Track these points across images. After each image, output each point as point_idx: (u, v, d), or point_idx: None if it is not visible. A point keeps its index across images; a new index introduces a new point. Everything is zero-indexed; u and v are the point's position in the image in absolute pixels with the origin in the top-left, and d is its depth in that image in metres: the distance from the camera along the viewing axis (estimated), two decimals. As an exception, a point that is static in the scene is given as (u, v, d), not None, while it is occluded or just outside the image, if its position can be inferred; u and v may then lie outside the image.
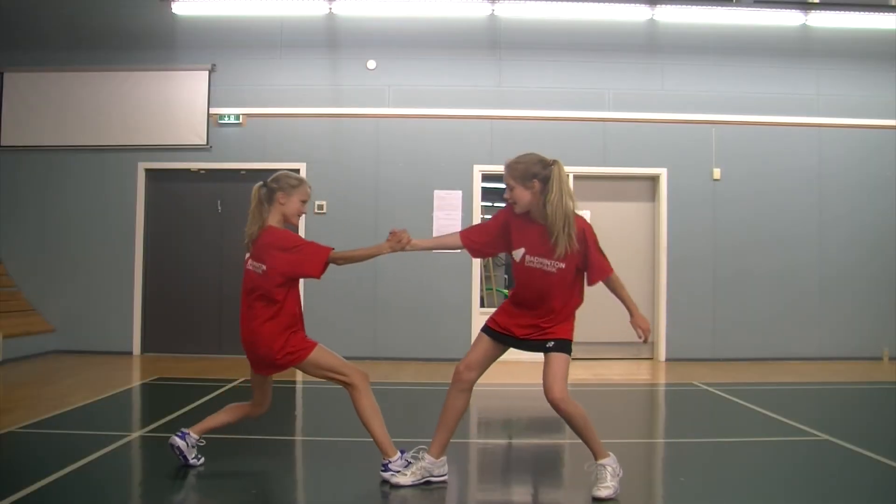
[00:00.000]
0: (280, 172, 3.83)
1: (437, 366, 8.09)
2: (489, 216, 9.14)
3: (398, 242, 3.61)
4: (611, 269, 3.49)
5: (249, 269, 3.69)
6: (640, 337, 3.49)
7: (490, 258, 9.10)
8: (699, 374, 7.70)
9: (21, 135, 8.82)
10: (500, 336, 3.58)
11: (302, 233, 8.56)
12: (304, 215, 3.85)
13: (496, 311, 3.66)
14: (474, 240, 3.70)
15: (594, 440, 3.47)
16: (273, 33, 8.77)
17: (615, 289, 3.52)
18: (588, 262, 3.46)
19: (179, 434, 3.85)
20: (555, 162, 3.45)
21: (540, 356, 3.51)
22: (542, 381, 3.44)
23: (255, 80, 8.80)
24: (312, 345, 3.67)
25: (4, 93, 8.83)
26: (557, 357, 3.44)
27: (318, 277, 3.66)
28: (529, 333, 3.50)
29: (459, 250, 3.82)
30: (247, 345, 3.69)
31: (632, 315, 3.49)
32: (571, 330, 3.54)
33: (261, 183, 3.79)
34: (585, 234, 3.44)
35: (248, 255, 3.74)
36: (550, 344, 3.46)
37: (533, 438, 5.19)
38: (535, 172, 3.42)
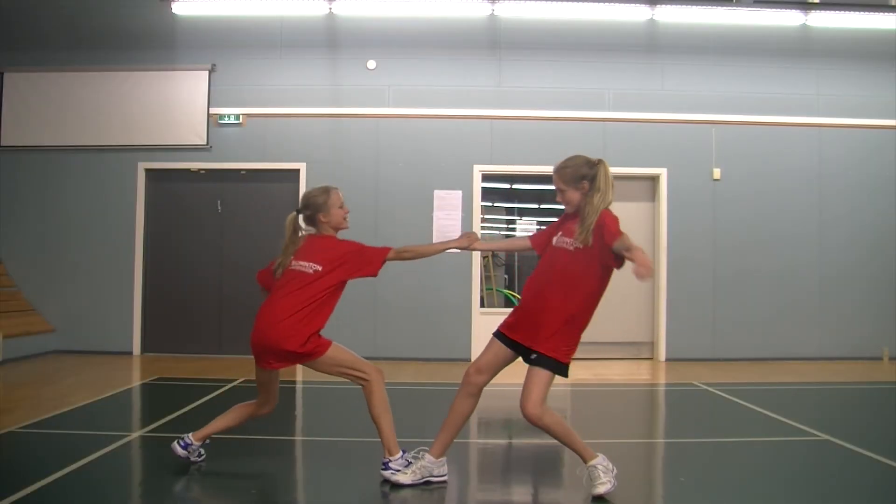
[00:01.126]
0: (304, 195, 3.92)
1: (436, 366, 8.10)
2: (489, 216, 9.18)
3: (467, 239, 3.83)
4: (621, 233, 3.26)
5: (295, 270, 3.69)
6: (641, 275, 3.03)
7: (490, 258, 9.10)
8: (699, 374, 7.70)
9: (21, 135, 8.83)
10: (508, 340, 3.56)
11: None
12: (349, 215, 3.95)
13: (506, 318, 3.64)
14: (541, 241, 3.73)
15: (578, 444, 3.49)
16: (273, 33, 8.77)
17: (627, 245, 3.16)
18: (602, 229, 3.30)
19: (182, 444, 3.85)
20: (600, 161, 3.54)
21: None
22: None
23: (255, 80, 8.80)
24: (328, 342, 3.70)
25: (4, 93, 8.83)
26: (537, 372, 3.40)
27: (375, 275, 3.80)
28: (522, 337, 3.47)
29: (526, 252, 3.89)
30: (261, 336, 3.62)
31: (635, 261, 3.08)
32: (565, 350, 3.40)
33: (294, 213, 3.83)
34: (604, 218, 3.36)
35: (277, 268, 3.76)
36: (534, 356, 3.41)
37: (533, 438, 5.17)
38: (583, 174, 3.50)
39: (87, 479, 3.76)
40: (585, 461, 3.50)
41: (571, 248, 3.43)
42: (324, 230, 3.82)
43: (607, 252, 3.31)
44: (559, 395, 6.36)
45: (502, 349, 3.59)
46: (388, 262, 3.78)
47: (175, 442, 3.88)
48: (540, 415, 3.38)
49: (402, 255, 3.81)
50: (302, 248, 3.75)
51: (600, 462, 3.49)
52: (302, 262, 3.69)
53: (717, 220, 8.87)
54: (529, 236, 3.88)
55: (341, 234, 3.91)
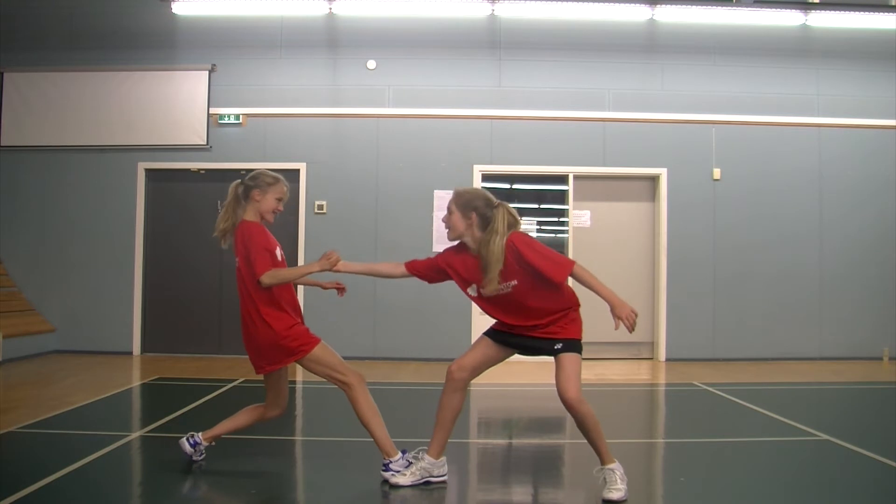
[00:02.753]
0: (257, 171, 3.87)
1: (436, 366, 8.08)
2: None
3: (328, 261, 3.62)
4: (570, 263, 3.40)
5: (237, 269, 3.71)
6: (626, 328, 3.22)
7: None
8: (699, 374, 7.70)
9: (21, 135, 8.83)
10: (504, 335, 3.57)
11: (302, 233, 8.58)
12: (279, 213, 3.88)
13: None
14: (420, 272, 3.71)
15: (602, 443, 3.47)
16: (273, 33, 8.77)
17: (585, 281, 3.35)
18: (540, 271, 3.38)
19: (191, 442, 3.87)
20: (500, 204, 3.52)
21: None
22: (554, 383, 3.44)
23: (255, 80, 8.80)
24: (317, 340, 3.69)
25: (4, 93, 8.84)
26: (569, 357, 3.43)
27: (258, 283, 3.59)
28: (535, 332, 3.48)
29: (398, 278, 3.80)
30: (245, 341, 3.69)
31: (612, 306, 3.25)
32: (579, 330, 3.53)
33: (238, 181, 3.83)
34: (516, 245, 3.40)
35: (217, 234, 3.79)
36: (559, 346, 3.45)
37: (533, 438, 5.19)
38: (475, 206, 3.50)
39: (87, 479, 3.76)
40: (603, 463, 3.49)
41: (510, 288, 3.43)
42: (249, 209, 3.74)
43: (539, 276, 3.38)
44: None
45: (493, 349, 3.60)
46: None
47: (184, 438, 3.90)
48: (581, 399, 3.38)
49: (264, 281, 3.54)
50: (234, 241, 3.73)
51: (618, 468, 3.48)
52: (236, 258, 3.70)
53: (717, 220, 8.87)
54: (405, 264, 3.72)
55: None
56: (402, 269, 3.73)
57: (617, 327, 3.26)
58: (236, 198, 3.78)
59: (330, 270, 3.64)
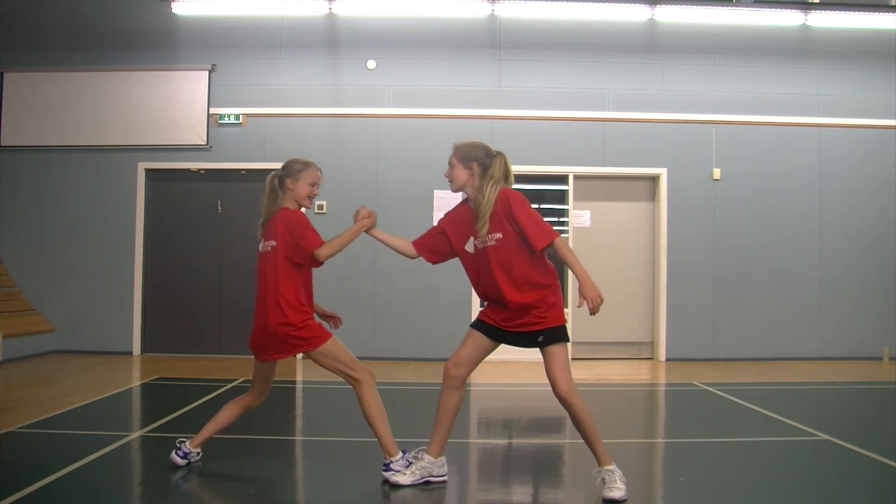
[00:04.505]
0: (289, 160, 3.90)
1: (436, 366, 8.05)
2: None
3: (368, 220, 3.74)
4: (554, 234, 3.43)
5: (263, 253, 3.75)
6: (589, 309, 3.26)
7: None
8: (699, 374, 7.70)
9: (21, 135, 8.82)
10: (491, 329, 3.57)
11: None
12: (315, 198, 3.91)
13: (484, 308, 3.68)
14: (428, 246, 3.76)
15: (599, 443, 3.47)
16: (273, 33, 8.77)
17: (563, 255, 3.39)
18: (523, 230, 3.42)
19: (180, 454, 3.87)
20: (499, 153, 3.62)
21: (538, 354, 3.51)
22: (546, 379, 3.44)
23: (255, 80, 8.80)
24: (328, 335, 3.72)
25: (4, 93, 8.84)
26: (554, 349, 3.44)
27: (303, 264, 3.68)
28: (517, 325, 3.48)
29: (408, 257, 3.82)
30: (261, 325, 3.69)
31: (581, 285, 3.29)
32: (561, 314, 3.51)
33: (272, 172, 3.87)
34: (508, 198, 3.46)
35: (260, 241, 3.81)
36: (540, 338, 3.44)
37: (533, 438, 5.19)
38: (476, 156, 3.60)
39: (87, 479, 3.76)
40: (600, 464, 3.49)
41: (493, 241, 3.47)
42: (286, 200, 3.80)
43: (522, 237, 3.43)
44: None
45: (482, 340, 3.60)
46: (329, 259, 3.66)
47: (173, 452, 3.88)
48: (573, 391, 3.39)
49: (320, 255, 3.61)
50: (267, 225, 3.78)
51: (616, 470, 3.47)
52: (264, 243, 3.76)
53: (717, 220, 8.87)
54: (413, 242, 3.79)
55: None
56: (412, 248, 3.80)
57: (580, 305, 3.31)
58: (273, 190, 3.83)
59: (366, 231, 3.75)
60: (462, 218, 3.67)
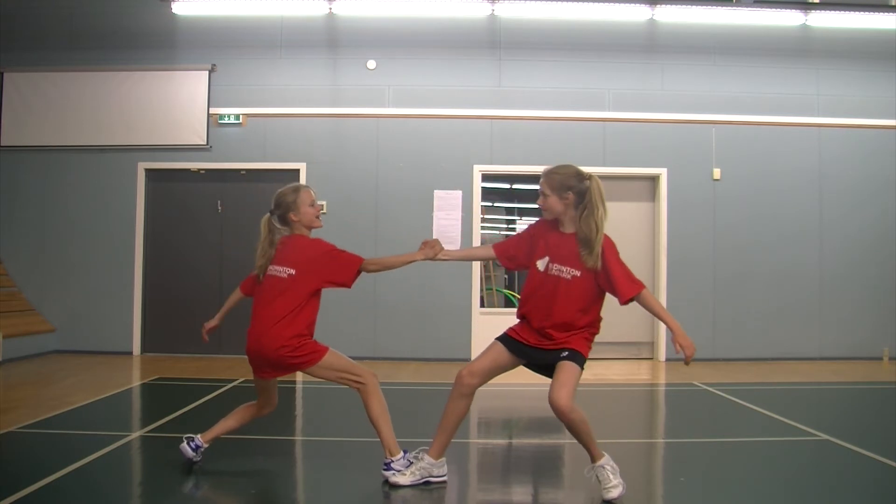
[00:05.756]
0: (275, 195, 3.85)
1: (436, 366, 8.10)
2: (490, 216, 9.18)
3: (431, 250, 3.67)
4: (641, 285, 3.44)
5: (272, 276, 3.68)
6: (685, 357, 3.43)
7: (491, 262, 9.09)
8: (699, 374, 7.70)
9: (21, 135, 8.83)
10: (516, 344, 3.54)
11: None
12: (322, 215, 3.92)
13: (516, 325, 3.62)
14: (508, 252, 3.72)
15: (592, 442, 3.46)
16: (273, 33, 8.77)
17: (650, 307, 3.48)
18: (612, 278, 3.40)
19: (192, 445, 3.87)
20: (591, 177, 3.53)
21: None
22: (548, 387, 3.43)
23: (255, 80, 8.80)
24: (325, 349, 3.69)
25: (4, 93, 8.84)
26: (570, 365, 3.39)
27: (350, 287, 3.72)
28: (543, 343, 3.46)
29: (491, 261, 3.83)
30: (255, 347, 3.66)
31: (674, 334, 3.41)
32: (588, 349, 3.49)
33: (266, 215, 3.82)
34: (603, 247, 3.43)
35: (257, 272, 3.75)
36: (565, 353, 3.41)
37: (533, 438, 5.19)
38: (570, 185, 3.49)
39: (87, 479, 3.76)
40: (593, 461, 3.49)
41: (569, 276, 3.43)
42: (296, 229, 3.79)
43: (606, 283, 3.43)
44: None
45: (504, 355, 3.56)
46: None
47: (185, 442, 3.89)
48: (572, 407, 3.34)
49: (368, 268, 3.69)
50: (278, 252, 3.73)
51: (607, 462, 3.47)
52: (276, 267, 3.69)
53: (717, 220, 8.87)
54: (493, 245, 3.77)
55: (317, 234, 3.89)
56: (491, 252, 3.76)
57: (678, 352, 3.44)
58: (271, 231, 3.77)
59: (433, 259, 3.71)
60: (556, 242, 3.53)
